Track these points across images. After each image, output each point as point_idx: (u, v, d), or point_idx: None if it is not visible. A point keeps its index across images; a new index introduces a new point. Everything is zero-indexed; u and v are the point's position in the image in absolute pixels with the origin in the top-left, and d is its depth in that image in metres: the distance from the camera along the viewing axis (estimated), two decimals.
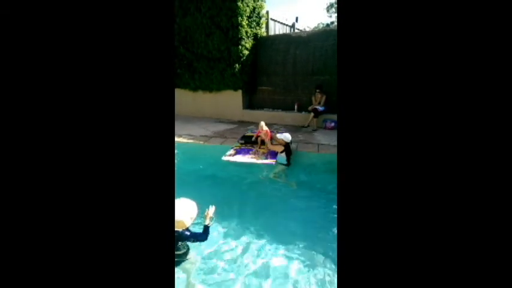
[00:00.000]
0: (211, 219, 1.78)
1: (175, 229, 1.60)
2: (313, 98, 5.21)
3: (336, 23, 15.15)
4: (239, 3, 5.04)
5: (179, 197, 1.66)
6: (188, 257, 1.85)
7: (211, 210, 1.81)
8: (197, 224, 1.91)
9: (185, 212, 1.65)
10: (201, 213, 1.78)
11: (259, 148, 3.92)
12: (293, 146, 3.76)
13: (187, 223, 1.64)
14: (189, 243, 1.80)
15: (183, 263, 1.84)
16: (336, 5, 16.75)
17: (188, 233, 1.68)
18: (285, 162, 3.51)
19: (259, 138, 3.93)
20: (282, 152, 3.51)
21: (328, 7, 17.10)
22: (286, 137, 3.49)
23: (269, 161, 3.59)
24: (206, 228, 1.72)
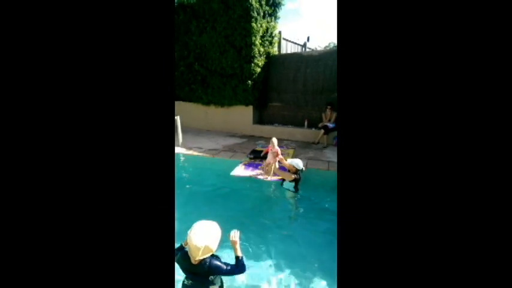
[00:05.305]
0: (240, 246, 1.45)
1: (202, 257, 1.30)
2: (323, 115, 5.23)
3: None
4: (253, 24, 5.26)
5: (188, 215, 1.56)
6: None
7: (235, 234, 1.47)
8: (224, 249, 1.67)
9: (208, 234, 1.33)
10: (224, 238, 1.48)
11: (266, 167, 3.69)
12: (304, 162, 3.70)
13: (214, 247, 1.34)
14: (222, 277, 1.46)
15: None
16: None
17: (219, 264, 1.37)
18: (292, 189, 3.23)
19: (268, 156, 3.70)
20: (292, 181, 3.16)
21: None
22: (298, 164, 3.10)
23: (278, 177, 3.55)
24: (239, 261, 1.41)
